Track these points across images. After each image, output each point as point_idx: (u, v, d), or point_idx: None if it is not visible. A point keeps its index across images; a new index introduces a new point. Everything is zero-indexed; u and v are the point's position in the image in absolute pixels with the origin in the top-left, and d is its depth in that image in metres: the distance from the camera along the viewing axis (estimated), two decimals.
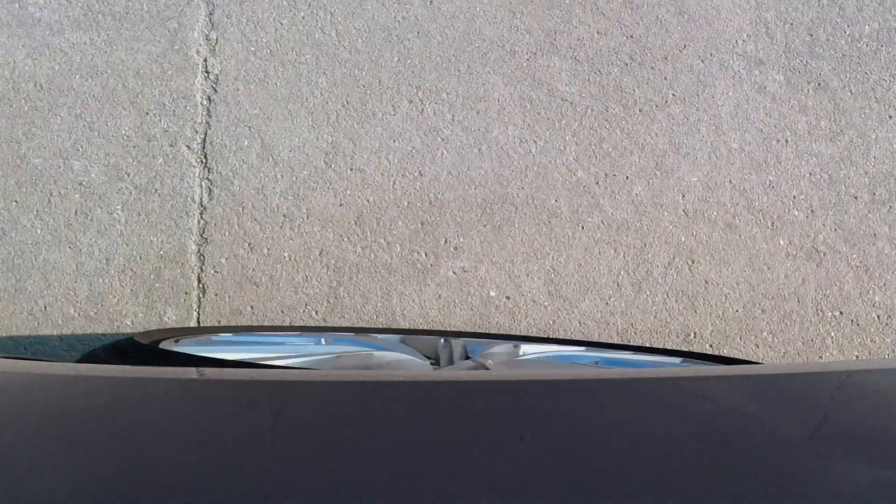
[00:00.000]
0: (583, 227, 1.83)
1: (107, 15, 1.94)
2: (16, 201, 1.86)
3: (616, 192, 1.85)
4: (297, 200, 1.85)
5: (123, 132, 1.88)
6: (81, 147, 1.88)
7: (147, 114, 1.89)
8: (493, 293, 1.81)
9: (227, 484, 0.45)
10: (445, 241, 1.83)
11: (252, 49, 1.92)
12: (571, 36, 1.92)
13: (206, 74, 1.90)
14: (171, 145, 1.87)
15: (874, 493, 0.46)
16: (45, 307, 1.82)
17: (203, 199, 1.85)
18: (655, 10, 1.93)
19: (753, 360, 1.81)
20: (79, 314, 1.81)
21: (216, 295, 1.81)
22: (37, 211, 1.85)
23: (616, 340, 1.80)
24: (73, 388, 0.61)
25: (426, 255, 1.82)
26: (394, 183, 1.85)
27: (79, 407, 0.57)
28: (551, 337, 1.78)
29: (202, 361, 1.05)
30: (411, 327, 1.79)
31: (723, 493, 0.46)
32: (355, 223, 1.84)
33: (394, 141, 1.87)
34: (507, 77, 1.89)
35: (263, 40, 1.92)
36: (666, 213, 1.84)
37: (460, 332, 1.72)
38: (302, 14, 1.93)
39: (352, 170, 1.86)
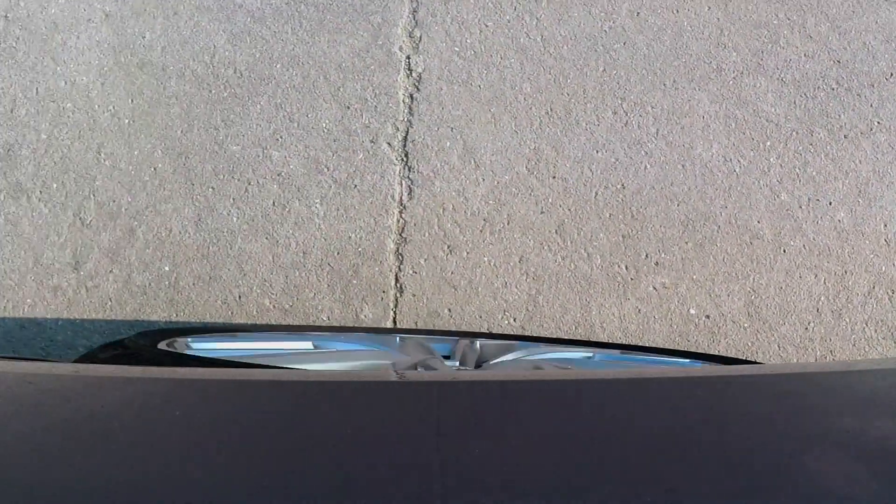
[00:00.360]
0: (784, 251, 1.82)
1: (309, 5, 1.92)
2: (212, 188, 1.84)
3: (819, 217, 1.84)
4: (498, 205, 1.83)
5: (324, 125, 1.86)
6: (280, 137, 1.86)
7: (348, 108, 1.87)
8: (692, 311, 1.80)
9: (226, 484, 0.45)
10: (646, 256, 1.81)
11: (456, 49, 1.90)
12: (778, 57, 1.90)
13: (408, 72, 1.88)
14: (371, 141, 1.85)
15: (874, 494, 0.46)
16: (240, 297, 1.80)
17: (403, 197, 1.83)
18: (863, 36, 1.92)
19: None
20: (274, 306, 1.79)
21: (414, 295, 1.79)
22: (233, 199, 1.83)
23: None
24: (70, 389, 0.61)
25: (626, 268, 1.81)
26: (596, 194, 1.84)
27: (76, 407, 0.56)
28: (551, 337, 1.75)
29: (200, 362, 1.03)
30: (418, 327, 1.76)
31: (723, 492, 0.46)
32: (556, 232, 1.82)
33: (597, 151, 1.85)
34: (712, 94, 1.88)
35: (468, 41, 1.90)
36: (867, 242, 1.83)
37: (463, 332, 1.68)
38: (507, 17, 1.91)
39: (554, 178, 1.84)
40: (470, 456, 0.49)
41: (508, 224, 1.82)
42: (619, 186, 1.84)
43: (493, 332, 1.77)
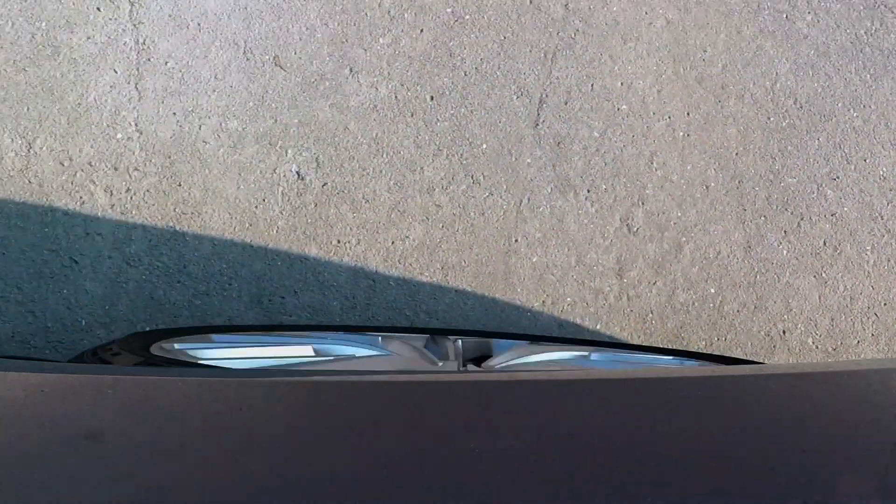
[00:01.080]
0: None
1: (875, 49, 1.89)
2: (764, 216, 1.82)
3: None
4: None
5: (881, 172, 1.84)
6: (836, 177, 1.84)
7: None
8: None
9: (224, 485, 0.45)
10: None
11: None
12: None
13: None
14: None
15: (874, 493, 0.46)
16: (784, 332, 1.78)
17: None
18: None
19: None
20: (817, 347, 1.78)
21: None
22: (785, 231, 1.81)
23: None
24: (64, 389, 0.61)
25: None
26: None
27: (70, 407, 0.56)
28: (552, 336, 1.72)
29: (195, 363, 1.02)
30: (422, 326, 1.71)
31: (723, 492, 0.46)
32: None
33: None
34: None
35: None
36: None
37: (465, 332, 1.64)
38: None
39: None
40: (470, 456, 0.49)
41: None
42: None
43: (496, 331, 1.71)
